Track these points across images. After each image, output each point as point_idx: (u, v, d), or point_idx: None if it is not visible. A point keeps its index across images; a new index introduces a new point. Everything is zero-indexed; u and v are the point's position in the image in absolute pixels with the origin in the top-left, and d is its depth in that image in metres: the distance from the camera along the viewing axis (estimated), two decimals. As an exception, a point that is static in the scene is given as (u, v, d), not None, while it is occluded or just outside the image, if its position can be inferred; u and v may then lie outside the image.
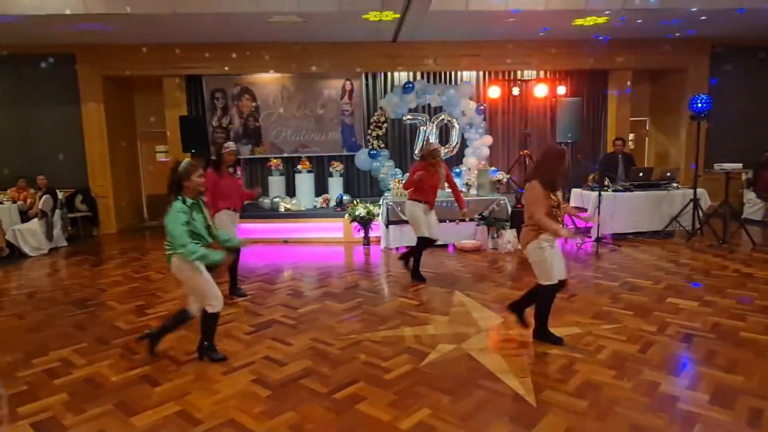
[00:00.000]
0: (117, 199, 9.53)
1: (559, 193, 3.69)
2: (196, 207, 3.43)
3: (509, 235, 7.16)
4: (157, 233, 9.40)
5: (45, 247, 7.75)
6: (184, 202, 3.35)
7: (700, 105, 7.25)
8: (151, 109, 10.09)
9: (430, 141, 9.24)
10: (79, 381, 3.39)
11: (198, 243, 3.35)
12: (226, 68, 9.11)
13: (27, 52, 8.72)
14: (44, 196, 7.90)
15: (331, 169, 9.26)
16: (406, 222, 7.32)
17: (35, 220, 7.73)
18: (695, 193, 7.44)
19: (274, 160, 9.24)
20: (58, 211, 8.16)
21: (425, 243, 5.59)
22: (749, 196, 9.21)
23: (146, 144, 10.65)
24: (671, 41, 9.30)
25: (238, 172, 5.33)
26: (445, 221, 7.27)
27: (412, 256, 5.75)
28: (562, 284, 3.77)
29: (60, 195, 8.39)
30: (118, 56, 8.86)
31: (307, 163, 9.16)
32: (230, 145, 5.10)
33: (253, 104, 9.52)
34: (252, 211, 8.75)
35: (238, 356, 3.71)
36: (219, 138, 9.51)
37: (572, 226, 7.70)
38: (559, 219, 3.68)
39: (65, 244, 8.29)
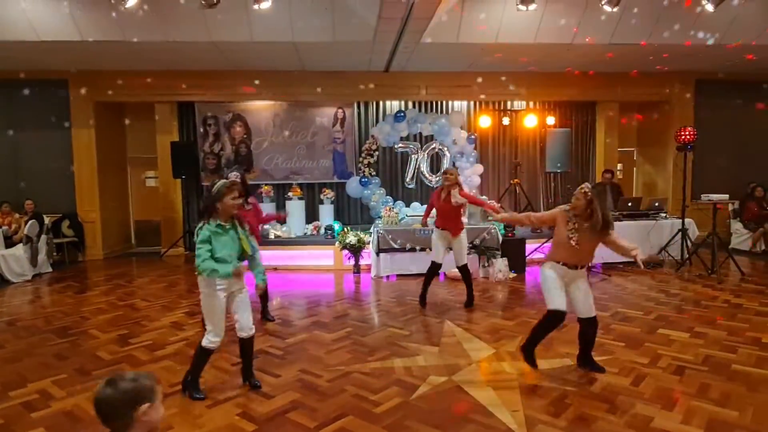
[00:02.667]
0: (104, 225, 9.42)
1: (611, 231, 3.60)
2: (224, 229, 3.36)
3: (500, 263, 7.14)
4: (144, 259, 9.27)
5: (29, 273, 7.59)
6: (209, 224, 3.31)
7: (686, 137, 7.38)
8: (142, 135, 10.08)
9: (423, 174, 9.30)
10: (58, 414, 3.27)
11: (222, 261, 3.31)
12: (218, 95, 9.17)
13: (19, 77, 8.71)
14: (30, 222, 7.79)
15: (322, 197, 9.25)
16: (397, 250, 7.34)
17: (20, 245, 7.60)
18: (683, 223, 7.51)
19: (265, 187, 9.22)
20: (43, 237, 8.04)
21: (433, 268, 5.61)
22: (736, 226, 9.31)
23: (136, 169, 10.60)
24: (657, 74, 9.54)
25: (250, 203, 5.13)
26: (426, 250, 7.24)
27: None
28: (587, 322, 3.70)
29: (46, 220, 8.28)
30: (110, 82, 8.89)
31: (298, 191, 9.15)
32: (231, 176, 4.89)
33: (245, 131, 9.56)
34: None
35: (224, 388, 3.60)
36: (210, 164, 9.52)
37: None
38: (575, 246, 3.57)
39: (50, 270, 8.14)
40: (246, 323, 3.51)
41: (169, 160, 9.11)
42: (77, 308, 5.91)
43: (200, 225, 3.34)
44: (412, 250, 7.34)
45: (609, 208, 3.59)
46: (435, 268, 5.64)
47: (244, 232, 3.50)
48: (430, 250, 7.14)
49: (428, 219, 5.91)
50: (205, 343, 3.41)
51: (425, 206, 9.00)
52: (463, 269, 5.60)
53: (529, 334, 3.83)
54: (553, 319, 3.64)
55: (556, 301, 3.61)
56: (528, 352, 3.81)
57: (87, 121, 9.06)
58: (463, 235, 5.54)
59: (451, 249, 5.60)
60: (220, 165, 9.54)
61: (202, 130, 9.52)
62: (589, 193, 3.51)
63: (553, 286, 3.64)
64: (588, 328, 3.72)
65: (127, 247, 10.30)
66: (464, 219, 5.73)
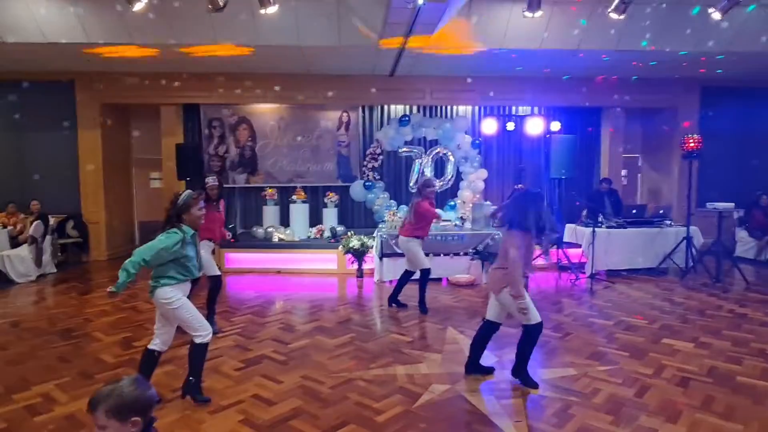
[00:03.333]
0: (109, 226, 9.44)
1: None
2: (191, 240, 3.38)
3: (503, 270, 7.11)
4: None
5: (33, 274, 7.62)
6: (182, 231, 3.30)
7: (691, 144, 7.35)
8: (147, 136, 10.11)
9: (426, 176, 9.33)
10: (60, 419, 3.27)
11: (182, 276, 3.33)
12: (223, 98, 9.19)
13: (26, 78, 8.77)
14: (35, 222, 7.81)
15: (325, 200, 9.25)
16: (400, 255, 7.33)
17: (24, 245, 7.62)
18: (688, 231, 7.48)
19: (269, 190, 9.24)
20: (48, 237, 8.06)
21: (427, 274, 5.79)
22: (741, 234, 9.26)
23: (141, 171, 10.62)
24: (662, 80, 9.51)
25: (221, 207, 5.35)
26: (440, 255, 7.26)
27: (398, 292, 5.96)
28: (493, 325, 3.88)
29: (51, 221, 8.31)
30: (117, 84, 8.92)
31: (302, 194, 9.15)
32: (209, 180, 5.19)
33: (250, 134, 9.58)
34: (246, 240, 8.70)
35: (227, 394, 3.60)
36: (215, 167, 9.54)
37: (566, 262, 7.70)
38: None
39: (54, 270, 8.16)
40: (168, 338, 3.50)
41: (174, 162, 9.13)
42: (81, 310, 5.93)
43: (172, 229, 3.29)
44: (416, 255, 7.33)
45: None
46: (428, 273, 5.83)
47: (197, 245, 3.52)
48: (434, 255, 7.21)
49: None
50: (198, 340, 3.40)
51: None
52: (427, 272, 5.80)
53: (517, 358, 3.76)
54: (539, 330, 3.67)
55: (537, 313, 3.64)
56: (524, 375, 3.74)
57: (93, 122, 9.09)
58: None
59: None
60: (224, 167, 9.56)
61: (207, 132, 9.54)
62: None
63: (527, 299, 3.63)
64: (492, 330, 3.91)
65: (130, 249, 10.20)
66: None
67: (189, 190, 3.51)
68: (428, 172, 9.60)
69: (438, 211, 6.53)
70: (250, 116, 9.58)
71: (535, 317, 3.61)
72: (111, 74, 8.84)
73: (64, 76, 8.83)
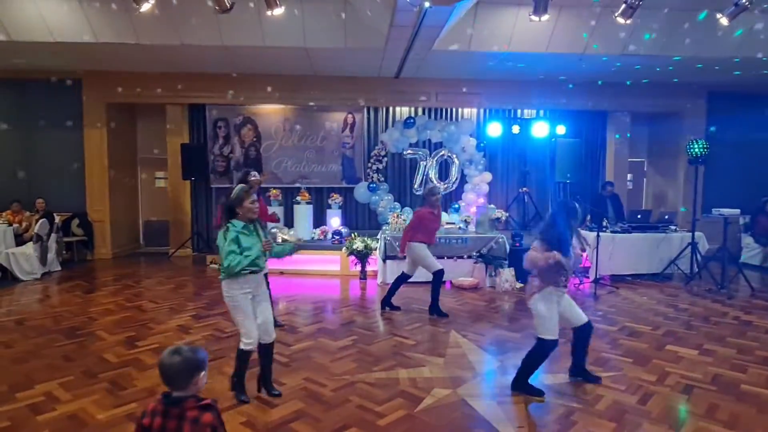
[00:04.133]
0: (113, 224, 9.48)
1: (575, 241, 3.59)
2: (249, 231, 3.42)
3: (507, 273, 7.11)
4: (152, 260, 9.32)
5: (38, 272, 7.65)
6: (235, 226, 3.35)
7: (697, 149, 7.32)
8: (153, 136, 10.16)
9: (432, 183, 9.35)
10: (63, 418, 3.28)
11: (253, 260, 3.34)
12: (229, 98, 9.22)
13: (34, 77, 8.83)
14: (41, 220, 7.85)
15: (329, 201, 9.26)
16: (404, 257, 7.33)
17: (30, 243, 7.66)
18: (693, 236, 7.44)
19: (273, 191, 9.24)
20: (53, 235, 8.10)
21: (440, 275, 5.76)
22: (747, 240, 9.21)
23: (146, 170, 10.67)
24: (669, 85, 9.47)
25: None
26: (443, 257, 7.24)
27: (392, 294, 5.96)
28: (587, 327, 3.74)
29: (57, 219, 8.35)
30: (123, 83, 8.96)
31: (307, 195, 9.16)
32: (255, 174, 5.22)
33: (255, 134, 9.60)
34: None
35: (228, 395, 3.61)
36: (219, 167, 9.58)
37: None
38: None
39: (59, 268, 8.20)
40: (267, 328, 3.52)
41: (179, 162, 9.17)
42: (85, 308, 5.95)
43: (225, 227, 3.37)
44: (419, 257, 7.32)
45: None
46: (441, 274, 5.77)
47: (266, 236, 3.54)
48: (437, 258, 7.20)
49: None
50: (241, 346, 3.47)
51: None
52: (441, 273, 5.74)
53: (521, 368, 3.69)
54: (551, 347, 3.58)
55: (555, 329, 3.56)
56: (527, 386, 3.66)
57: (99, 121, 9.14)
58: None
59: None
60: (229, 167, 9.59)
61: (212, 132, 9.57)
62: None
63: (553, 314, 3.55)
64: (586, 333, 3.75)
65: (135, 247, 10.36)
66: None
67: (241, 185, 3.64)
68: (432, 175, 9.61)
69: (444, 216, 6.58)
70: (256, 117, 9.61)
71: (552, 333, 3.54)
72: (118, 73, 8.88)
73: (70, 75, 8.89)
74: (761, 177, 9.97)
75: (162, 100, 9.30)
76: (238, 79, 9.07)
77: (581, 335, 3.78)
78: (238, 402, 3.49)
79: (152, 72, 8.89)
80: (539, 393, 3.62)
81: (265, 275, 3.69)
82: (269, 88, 9.17)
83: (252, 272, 3.38)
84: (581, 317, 3.74)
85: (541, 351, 3.60)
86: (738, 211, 7.33)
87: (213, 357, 4.34)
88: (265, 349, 3.57)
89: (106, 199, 9.32)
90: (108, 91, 9.07)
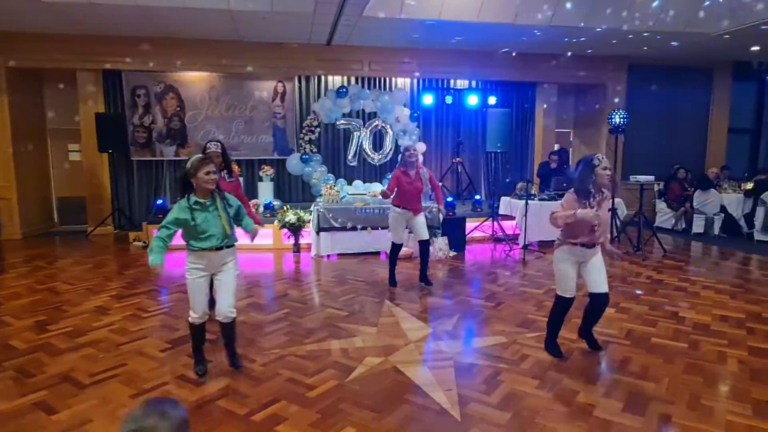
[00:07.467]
0: (22, 202, 8.70)
1: (599, 202, 3.52)
2: (203, 206, 3.21)
3: (441, 242, 7.21)
4: (69, 238, 8.69)
5: (-67, 255, 6.93)
6: (188, 200, 3.17)
7: (618, 119, 7.67)
8: (64, 105, 9.34)
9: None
10: (-41, 412, 2.99)
11: (205, 237, 3.23)
12: (150, 64, 8.60)
13: None
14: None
15: (261, 174, 8.96)
16: (338, 229, 7.27)
17: None
18: (613, 203, 7.83)
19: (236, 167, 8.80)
20: (-50, 215, 7.33)
21: (396, 249, 5.66)
22: (661, 206, 9.86)
23: (58, 142, 9.82)
24: (593, 58, 9.82)
25: (234, 177, 4.64)
26: (378, 228, 7.24)
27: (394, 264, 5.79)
28: (601, 297, 3.63)
29: (-47, 196, 7.55)
30: (26, 45, 8.12)
31: (237, 167, 8.77)
32: (210, 146, 4.41)
33: (178, 103, 9.05)
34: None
35: (150, 377, 3.43)
36: (140, 138, 8.98)
37: (501, 233, 7.91)
38: (595, 229, 3.50)
39: (-41, 251, 7.47)
40: (223, 307, 3.39)
41: (94, 133, 8.51)
42: (-11, 293, 5.45)
43: (179, 202, 3.21)
44: (353, 229, 7.27)
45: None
46: (398, 248, 5.68)
47: (225, 210, 3.31)
48: (372, 228, 7.15)
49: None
50: (189, 318, 3.42)
51: (368, 185, 8.94)
52: (425, 244, 5.63)
53: (547, 329, 3.83)
54: (566, 304, 3.67)
55: (570, 287, 3.62)
56: (548, 346, 3.81)
57: (-1, 88, 8.27)
58: (422, 213, 5.61)
59: (407, 227, 5.66)
60: (151, 138, 9.02)
61: (130, 101, 8.92)
62: (609, 167, 3.51)
63: (570, 272, 3.59)
64: (600, 303, 3.65)
65: (49, 226, 9.60)
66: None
67: (198, 155, 3.39)
68: (366, 145, 9.52)
69: (378, 186, 6.33)
70: (178, 84, 9.04)
71: (564, 290, 3.63)
72: (19, 34, 8.02)
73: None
74: (674, 146, 10.67)
75: (72, 64, 8.52)
76: (157, 43, 8.46)
77: (592, 304, 3.71)
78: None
79: (60, 34, 8.10)
80: (557, 355, 3.73)
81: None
82: (193, 54, 8.64)
83: (202, 249, 3.23)
84: (598, 286, 3.60)
85: (555, 308, 3.74)
86: (653, 177, 7.79)
87: (134, 338, 4.13)
88: (222, 327, 3.50)
89: (12, 175, 8.51)
90: (8, 54, 8.19)
